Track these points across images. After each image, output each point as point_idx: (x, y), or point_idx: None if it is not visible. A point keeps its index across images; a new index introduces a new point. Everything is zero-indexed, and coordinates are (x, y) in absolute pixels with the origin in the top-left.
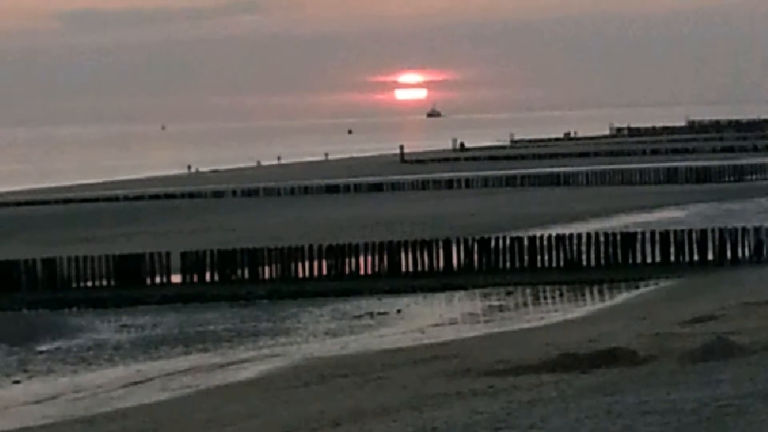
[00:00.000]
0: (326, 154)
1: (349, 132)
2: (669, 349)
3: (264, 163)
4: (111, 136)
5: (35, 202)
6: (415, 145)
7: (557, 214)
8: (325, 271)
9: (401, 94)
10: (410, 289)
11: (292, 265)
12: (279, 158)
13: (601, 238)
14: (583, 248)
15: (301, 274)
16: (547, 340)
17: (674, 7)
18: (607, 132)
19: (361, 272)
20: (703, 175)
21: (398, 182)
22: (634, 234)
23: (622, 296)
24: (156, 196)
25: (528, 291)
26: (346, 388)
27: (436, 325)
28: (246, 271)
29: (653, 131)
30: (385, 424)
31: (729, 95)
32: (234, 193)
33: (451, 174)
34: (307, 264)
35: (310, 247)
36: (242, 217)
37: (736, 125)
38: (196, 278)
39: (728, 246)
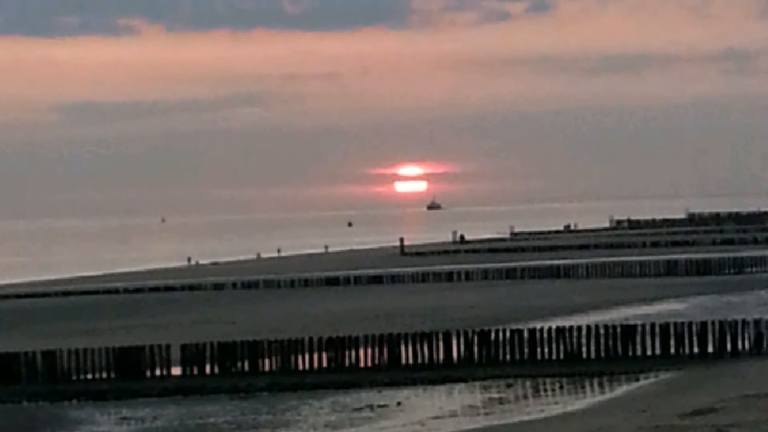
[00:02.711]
0: (326, 247)
1: (349, 224)
2: None
3: (264, 255)
4: (111, 229)
5: (35, 295)
6: (415, 237)
7: (557, 306)
8: (325, 364)
9: (401, 187)
10: (410, 382)
11: (292, 358)
12: (279, 251)
13: (601, 331)
14: (583, 341)
15: (301, 367)
16: None
17: (673, 99)
18: (607, 224)
19: (361, 365)
20: (703, 268)
21: (398, 275)
22: (634, 326)
23: (622, 389)
24: (156, 289)
25: (528, 383)
26: None
27: (437, 417)
28: (246, 364)
29: (653, 224)
30: None
31: (729, 188)
32: (234, 285)
33: (451, 266)
34: (307, 356)
35: (310, 339)
36: (242, 310)
37: (736, 218)
38: (196, 371)
39: (728, 338)
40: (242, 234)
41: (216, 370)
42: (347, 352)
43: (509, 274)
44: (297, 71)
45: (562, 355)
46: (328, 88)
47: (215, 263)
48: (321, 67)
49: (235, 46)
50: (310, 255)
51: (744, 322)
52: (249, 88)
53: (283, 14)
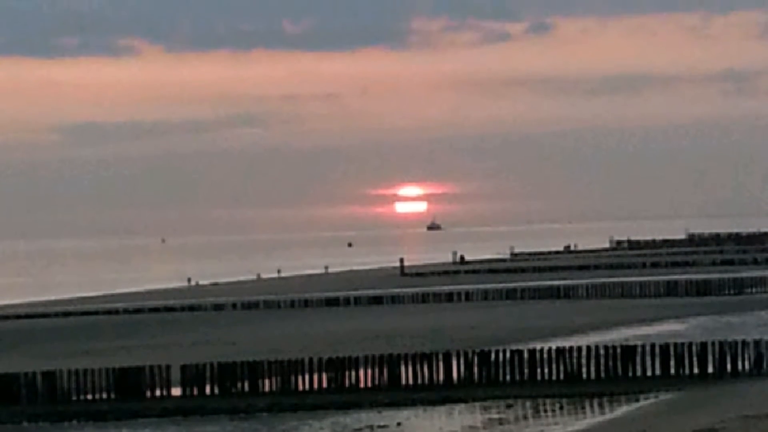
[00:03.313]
0: (326, 267)
1: (349, 245)
2: None
3: (264, 276)
4: (111, 249)
5: (35, 315)
6: (415, 258)
7: (557, 326)
8: (325, 384)
9: (401, 207)
10: (410, 402)
11: (292, 378)
12: (279, 271)
13: (601, 351)
14: (583, 361)
15: (301, 387)
16: None
17: (673, 120)
18: (607, 245)
19: (361, 385)
20: (703, 288)
21: (398, 295)
22: (634, 347)
23: (622, 409)
24: (156, 309)
25: (528, 404)
26: None
27: None
28: (246, 384)
29: (653, 244)
30: None
31: (729, 208)
32: (234, 306)
33: (451, 287)
34: (307, 377)
35: (310, 360)
36: (242, 330)
37: (736, 238)
38: (196, 391)
39: (728, 359)
40: (242, 254)
41: (216, 390)
42: (347, 373)
43: (509, 294)
44: (297, 92)
45: (562, 376)
46: (327, 109)
47: (215, 284)
48: (321, 87)
49: (235, 67)
50: (310, 275)
51: (744, 342)
52: (249, 109)
53: (283, 35)
